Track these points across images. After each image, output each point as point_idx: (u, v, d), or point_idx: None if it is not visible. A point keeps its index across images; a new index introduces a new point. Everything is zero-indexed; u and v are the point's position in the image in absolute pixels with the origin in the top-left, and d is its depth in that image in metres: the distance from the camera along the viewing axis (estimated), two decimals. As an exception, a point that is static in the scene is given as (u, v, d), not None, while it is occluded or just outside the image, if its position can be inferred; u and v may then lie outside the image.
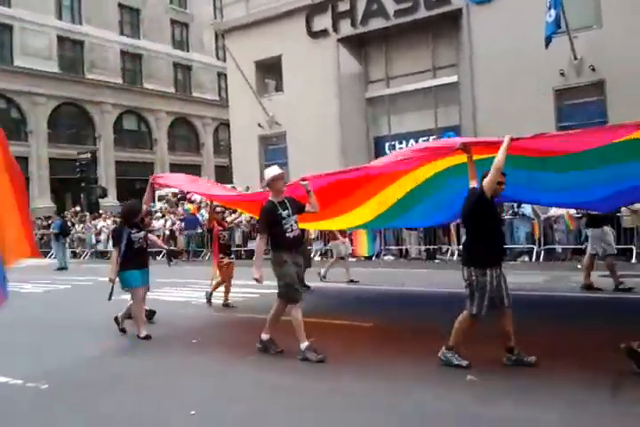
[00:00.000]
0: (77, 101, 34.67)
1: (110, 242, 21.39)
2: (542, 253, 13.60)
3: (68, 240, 20.45)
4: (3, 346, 7.20)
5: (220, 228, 9.43)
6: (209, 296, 9.46)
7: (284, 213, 5.87)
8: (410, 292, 10.23)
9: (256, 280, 5.73)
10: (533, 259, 13.52)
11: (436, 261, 14.75)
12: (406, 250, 15.65)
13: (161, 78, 39.30)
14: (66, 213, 25.29)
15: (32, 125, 32.33)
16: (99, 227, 22.43)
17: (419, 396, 4.60)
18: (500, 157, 5.16)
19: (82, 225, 23.48)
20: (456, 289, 8.46)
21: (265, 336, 6.07)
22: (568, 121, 18.07)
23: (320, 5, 22.45)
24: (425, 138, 21.32)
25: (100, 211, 26.01)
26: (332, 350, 5.85)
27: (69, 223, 22.14)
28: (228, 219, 15.44)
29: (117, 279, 7.07)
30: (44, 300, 11.54)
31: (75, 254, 22.40)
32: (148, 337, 7.04)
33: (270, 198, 6.00)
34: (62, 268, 17.84)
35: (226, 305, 9.20)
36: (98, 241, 22.19)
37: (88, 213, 25.10)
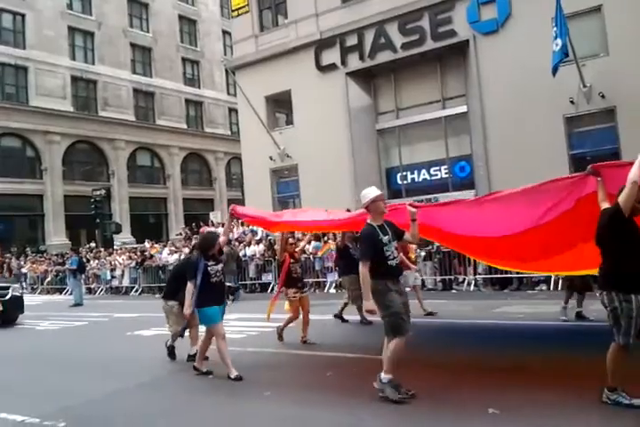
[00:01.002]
0: (91, 139, 35.25)
1: (126, 278, 21.63)
2: (560, 281, 13.38)
3: (84, 276, 20.52)
4: (19, 384, 7.14)
5: (292, 260, 8.80)
6: (280, 331, 8.73)
7: (385, 239, 5.36)
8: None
9: (370, 312, 5.25)
10: (551, 287, 13.30)
11: (453, 291, 14.59)
12: (422, 280, 15.48)
13: (173, 115, 39.95)
14: (81, 249, 25.41)
15: (47, 163, 32.82)
16: (114, 263, 22.51)
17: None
18: (635, 170, 4.49)
19: (97, 261, 23.57)
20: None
21: (386, 377, 5.23)
22: (580, 148, 18.10)
23: (328, 40, 22.86)
24: (437, 168, 21.43)
25: (115, 247, 26.14)
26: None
27: (84, 259, 22.23)
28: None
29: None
30: (61, 337, 11.48)
31: (90, 290, 22.41)
32: (239, 378, 6.41)
33: (369, 222, 5.51)
34: (78, 304, 17.82)
35: (304, 342, 8.45)
36: (113, 277, 22.23)
37: (103, 249, 25.21)
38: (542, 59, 16.25)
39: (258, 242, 19.13)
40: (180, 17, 41.51)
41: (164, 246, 22.55)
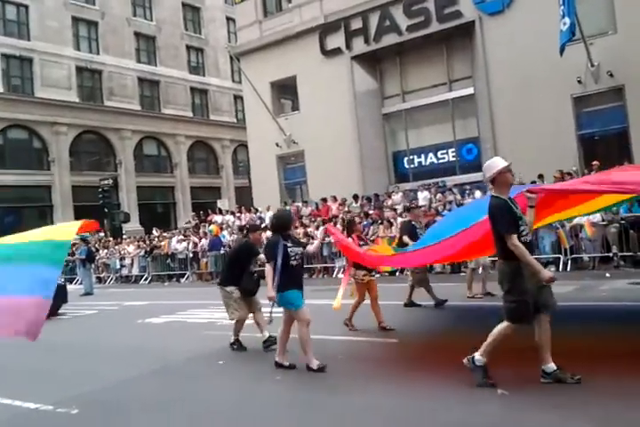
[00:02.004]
0: (98, 129, 35.22)
1: (135, 266, 21.74)
2: (569, 262, 13.34)
3: (93, 266, 20.65)
4: (32, 372, 7.21)
5: (361, 242, 8.48)
6: (348, 321, 8.20)
7: (519, 213, 4.90)
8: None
9: (549, 281, 4.73)
10: (560, 269, 13.25)
11: (462, 274, 14.54)
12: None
13: (178, 103, 39.83)
14: (90, 238, 25.53)
15: (54, 154, 32.86)
16: (123, 252, 22.63)
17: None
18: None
19: (106, 250, 23.69)
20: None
21: (549, 367, 4.85)
22: (588, 128, 17.94)
23: (332, 24, 22.67)
24: (444, 151, 21.30)
25: (124, 235, 26.25)
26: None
27: (94, 249, 22.34)
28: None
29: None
30: (72, 325, 11.58)
31: (99, 279, 22.56)
32: (322, 369, 5.91)
33: (496, 195, 5.05)
34: (88, 293, 17.95)
35: (383, 328, 7.93)
36: (122, 266, 22.35)
37: (112, 239, 25.32)
38: (549, 38, 16.06)
39: (265, 229, 19.08)
40: (184, 4, 41.18)
41: (173, 235, 22.61)
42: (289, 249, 6.09)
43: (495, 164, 5.05)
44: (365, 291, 8.10)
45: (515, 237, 4.70)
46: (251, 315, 7.49)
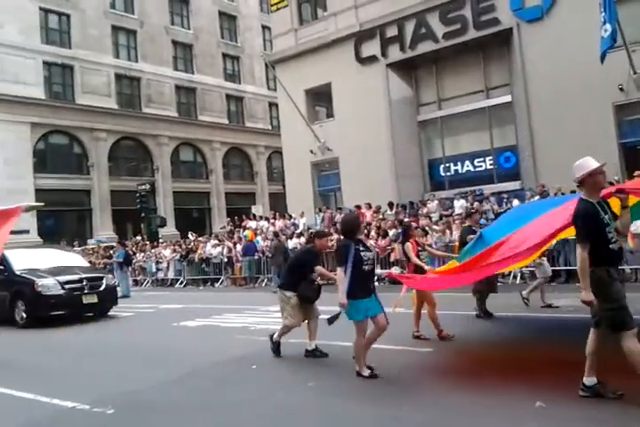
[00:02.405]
0: (135, 135, 35.89)
1: (171, 270, 21.99)
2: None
3: (130, 269, 20.96)
4: (71, 373, 7.35)
5: (419, 248, 8.18)
6: (416, 332, 7.82)
7: (606, 218, 4.63)
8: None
9: (587, 304, 4.54)
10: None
11: (499, 283, 14.32)
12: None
13: (214, 110, 40.34)
14: (127, 242, 25.95)
15: (93, 159, 33.58)
16: (159, 255, 22.93)
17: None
18: None
19: (143, 254, 24.04)
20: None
21: (590, 380, 4.68)
22: (630, 137, 17.56)
23: (368, 32, 22.71)
24: (481, 159, 21.08)
25: (160, 240, 26.60)
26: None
27: (131, 252, 22.68)
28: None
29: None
30: (109, 327, 11.76)
31: (136, 282, 22.87)
32: (374, 376, 5.79)
33: (585, 197, 4.75)
34: (125, 296, 18.17)
35: (443, 338, 7.61)
36: (158, 269, 22.64)
37: (148, 243, 25.69)
38: (589, 46, 15.78)
39: (299, 235, 19.17)
40: (220, 13, 41.80)
41: (208, 240, 22.81)
42: (361, 253, 5.84)
43: (587, 164, 4.79)
44: (423, 298, 7.81)
45: (587, 247, 4.51)
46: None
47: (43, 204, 10.69)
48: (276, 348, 7.38)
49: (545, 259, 10.52)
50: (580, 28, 16.98)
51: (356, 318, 5.81)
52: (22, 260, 12.98)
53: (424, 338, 7.71)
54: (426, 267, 7.89)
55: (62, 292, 12.00)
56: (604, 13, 15.10)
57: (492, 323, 8.88)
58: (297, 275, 7.20)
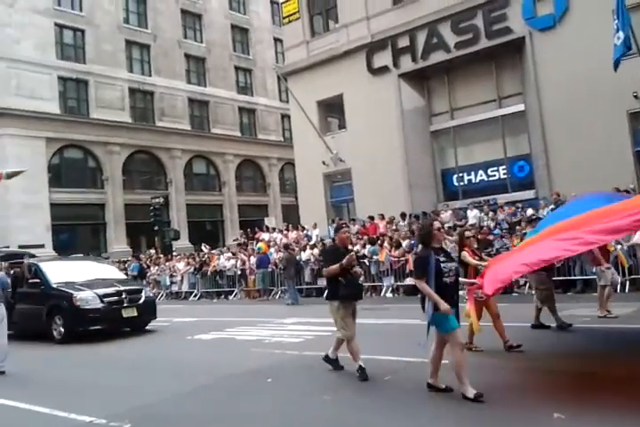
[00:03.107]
0: (149, 149, 36.14)
1: (185, 283, 21.99)
2: (627, 283, 12.84)
3: (145, 282, 21.01)
4: (88, 386, 7.34)
5: (476, 257, 7.89)
6: (470, 345, 7.32)
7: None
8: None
9: None
10: (619, 289, 12.75)
11: (514, 294, 14.19)
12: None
13: (227, 123, 40.57)
14: (141, 255, 26.04)
15: (108, 173, 33.81)
16: (173, 268, 22.97)
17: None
18: None
19: (157, 267, 24.09)
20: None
21: None
22: (646, 144, 17.39)
23: (379, 43, 22.76)
24: (494, 168, 20.98)
25: (174, 253, 26.65)
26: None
27: (145, 266, 22.74)
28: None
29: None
30: (124, 341, 11.74)
31: (150, 296, 22.88)
32: (479, 397, 5.19)
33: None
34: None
35: (511, 347, 7.39)
36: (172, 282, 22.66)
37: (162, 256, 25.75)
38: (602, 54, 15.68)
39: (312, 246, 19.12)
40: (233, 26, 42.16)
41: (221, 252, 22.81)
42: (442, 265, 5.51)
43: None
44: (483, 309, 7.38)
45: None
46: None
47: (25, 169, 10.46)
48: (336, 363, 6.99)
49: (609, 265, 9.94)
50: (593, 35, 16.89)
51: (445, 329, 5.42)
52: (58, 272, 12.53)
53: (477, 350, 7.47)
54: (483, 263, 7.53)
55: (101, 305, 11.52)
56: (616, 21, 15.01)
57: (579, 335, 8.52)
58: (333, 279, 6.71)
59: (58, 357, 10.34)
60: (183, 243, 33.24)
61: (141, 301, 12.20)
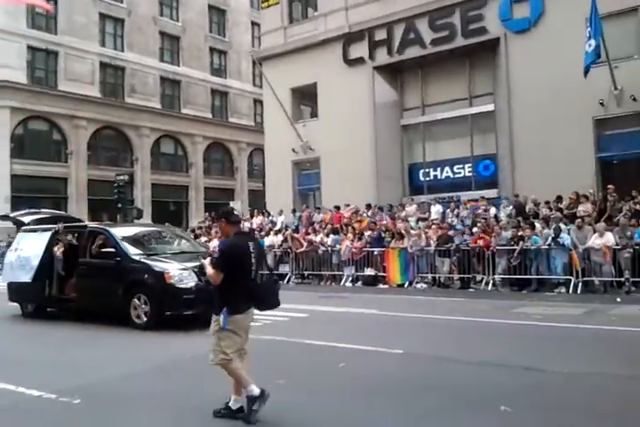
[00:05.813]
0: (117, 125, 35.51)
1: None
2: (580, 284, 13.21)
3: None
4: (37, 362, 7.25)
5: None
6: None
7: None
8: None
9: None
10: (570, 290, 13.13)
11: (471, 289, 14.50)
12: (439, 278, 15.38)
13: (198, 104, 40.10)
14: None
15: (72, 147, 33.14)
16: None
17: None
18: None
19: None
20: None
21: None
22: (607, 151, 17.87)
23: (357, 34, 22.77)
24: (460, 166, 21.29)
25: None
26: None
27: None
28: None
29: None
30: (87, 318, 11.61)
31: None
32: None
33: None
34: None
35: None
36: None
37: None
38: (574, 59, 16.05)
39: (276, 232, 19.15)
40: (210, 7, 41.51)
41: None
42: None
43: None
44: None
45: None
46: None
47: None
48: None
49: None
50: (566, 41, 17.24)
51: None
52: (134, 241, 10.39)
53: None
54: None
55: (199, 285, 9.06)
56: (589, 28, 15.38)
57: None
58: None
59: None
60: (146, 222, 32.85)
61: None
